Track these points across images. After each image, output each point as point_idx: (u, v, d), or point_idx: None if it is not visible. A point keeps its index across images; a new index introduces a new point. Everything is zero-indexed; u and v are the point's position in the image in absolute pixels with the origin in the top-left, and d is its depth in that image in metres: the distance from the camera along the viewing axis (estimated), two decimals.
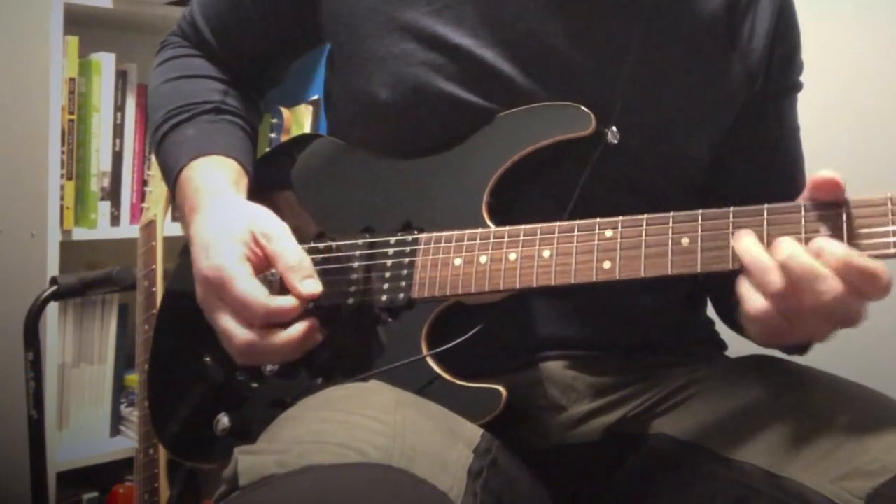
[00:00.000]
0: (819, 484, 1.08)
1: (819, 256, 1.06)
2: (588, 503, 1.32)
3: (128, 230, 2.82)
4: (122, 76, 2.87)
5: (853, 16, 2.41)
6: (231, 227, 1.31)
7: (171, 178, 1.45)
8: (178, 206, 1.45)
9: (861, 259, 1.05)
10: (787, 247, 1.07)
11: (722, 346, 1.50)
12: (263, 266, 1.30)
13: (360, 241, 1.37)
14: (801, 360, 1.35)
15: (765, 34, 1.44)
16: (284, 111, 2.93)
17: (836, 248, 1.06)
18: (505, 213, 1.31)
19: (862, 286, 1.05)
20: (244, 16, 1.54)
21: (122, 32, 3.02)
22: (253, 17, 1.53)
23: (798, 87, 1.53)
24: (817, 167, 1.11)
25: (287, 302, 1.26)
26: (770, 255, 1.08)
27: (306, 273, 1.28)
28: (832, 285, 1.04)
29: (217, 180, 1.40)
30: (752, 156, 1.49)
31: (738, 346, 1.46)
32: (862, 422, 1.13)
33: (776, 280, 1.06)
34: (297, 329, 1.26)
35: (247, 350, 1.27)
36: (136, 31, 3.00)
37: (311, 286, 1.28)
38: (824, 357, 1.34)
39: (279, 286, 1.30)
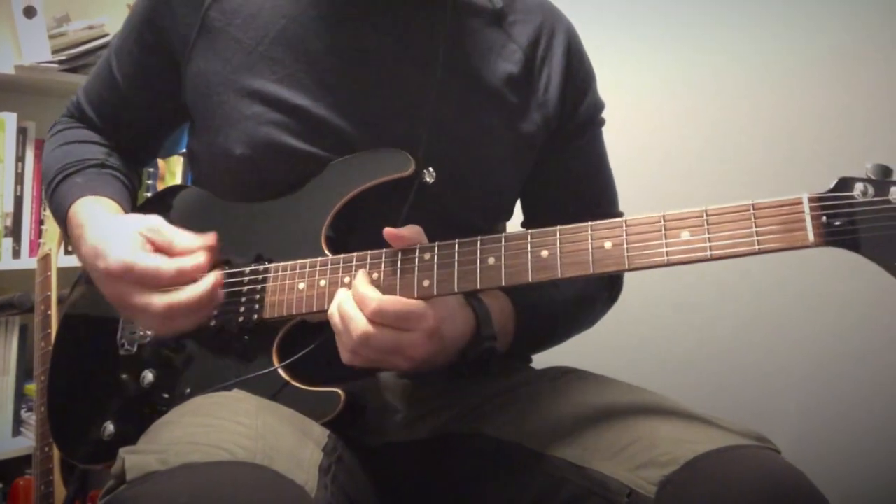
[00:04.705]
0: (618, 473, 1.07)
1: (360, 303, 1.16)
2: (421, 494, 1.31)
3: (27, 262, 2.77)
4: (22, 132, 2.83)
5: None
6: (121, 230, 1.28)
7: (62, 213, 1.41)
8: (69, 235, 1.41)
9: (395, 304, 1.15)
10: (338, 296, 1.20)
11: (528, 359, 1.49)
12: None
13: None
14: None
15: (558, 84, 1.44)
16: (160, 161, 2.91)
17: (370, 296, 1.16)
18: (342, 244, 1.30)
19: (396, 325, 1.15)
20: (121, 96, 1.51)
21: (22, 95, 2.95)
22: (130, 99, 1.50)
23: (597, 123, 1.53)
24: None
25: (191, 260, 1.24)
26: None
27: (197, 238, 1.27)
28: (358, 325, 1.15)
29: (103, 209, 1.37)
30: (557, 189, 1.49)
31: (542, 358, 1.48)
32: (652, 421, 1.13)
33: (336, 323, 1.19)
34: (207, 281, 1.24)
35: (167, 313, 1.23)
36: (36, 94, 2.95)
37: (207, 237, 1.27)
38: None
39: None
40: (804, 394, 2.25)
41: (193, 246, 1.26)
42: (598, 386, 1.28)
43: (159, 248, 1.27)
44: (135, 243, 1.26)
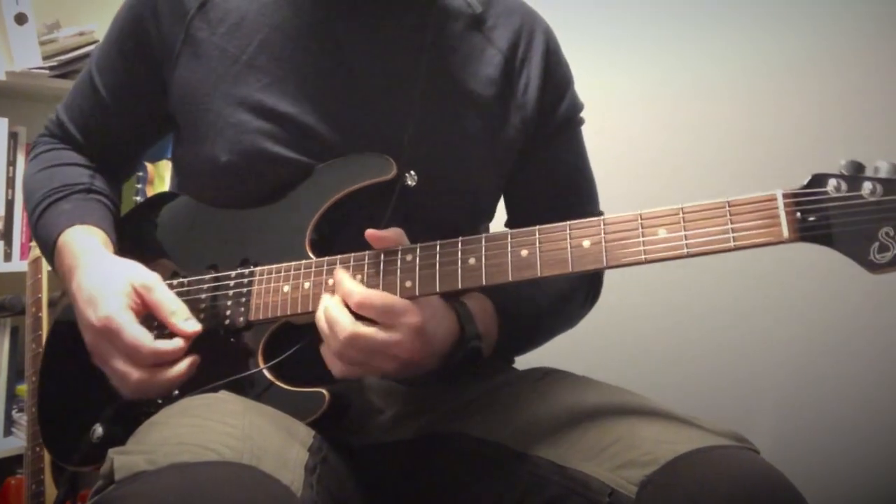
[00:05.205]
0: (599, 473, 1.07)
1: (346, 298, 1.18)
2: (405, 494, 1.31)
3: (18, 265, 2.76)
4: (13, 137, 2.82)
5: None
6: (112, 282, 1.28)
7: (50, 243, 1.40)
8: (56, 267, 1.41)
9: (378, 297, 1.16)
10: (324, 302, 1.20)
11: (511, 360, 1.49)
12: (143, 313, 1.28)
13: (206, 277, 1.35)
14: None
15: (536, 86, 1.44)
16: (149, 165, 2.91)
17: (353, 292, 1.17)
18: (327, 246, 1.30)
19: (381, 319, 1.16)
20: (104, 109, 1.49)
21: (13, 100, 2.93)
22: (112, 110, 1.49)
23: (575, 123, 1.53)
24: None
25: (172, 344, 1.25)
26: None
27: (185, 315, 1.27)
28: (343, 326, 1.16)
29: (91, 243, 1.36)
30: (537, 188, 1.49)
31: (525, 359, 1.48)
32: (633, 421, 1.13)
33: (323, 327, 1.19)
34: (182, 365, 1.25)
35: (139, 387, 1.25)
36: (26, 100, 2.94)
37: (192, 325, 1.27)
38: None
39: (163, 329, 1.28)
40: (783, 394, 2.26)
41: (176, 322, 1.27)
42: (580, 387, 1.28)
43: (146, 306, 1.28)
44: (124, 300, 1.26)
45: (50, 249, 1.41)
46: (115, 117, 1.50)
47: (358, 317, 1.17)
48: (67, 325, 1.46)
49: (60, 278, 1.39)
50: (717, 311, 2.36)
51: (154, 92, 1.44)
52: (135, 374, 1.24)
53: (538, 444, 1.16)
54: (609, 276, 1.56)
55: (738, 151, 2.32)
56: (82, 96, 1.52)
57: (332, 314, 1.17)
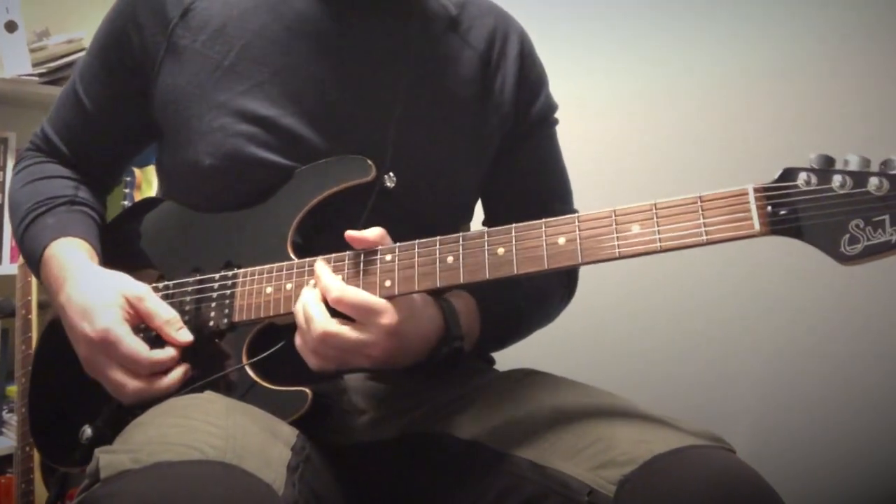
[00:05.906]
0: (578, 472, 1.07)
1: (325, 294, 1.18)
2: (387, 493, 1.31)
3: (8, 268, 2.76)
4: (3, 142, 2.82)
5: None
6: (104, 294, 1.29)
7: (36, 258, 1.40)
8: (43, 281, 1.41)
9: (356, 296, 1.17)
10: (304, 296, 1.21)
11: (491, 361, 1.50)
12: (137, 323, 1.30)
13: (190, 280, 1.36)
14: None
15: (512, 85, 1.45)
16: (136, 170, 2.90)
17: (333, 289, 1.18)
18: (308, 248, 1.31)
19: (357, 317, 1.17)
20: (89, 120, 1.49)
21: (3, 107, 2.93)
22: (97, 120, 1.49)
23: (550, 123, 1.54)
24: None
25: (167, 354, 1.28)
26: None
27: (179, 325, 1.30)
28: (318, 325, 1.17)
29: (77, 256, 1.37)
30: (513, 187, 1.50)
31: (506, 360, 1.49)
32: (612, 422, 1.14)
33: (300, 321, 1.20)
34: (177, 374, 1.28)
35: (137, 395, 1.26)
36: (16, 106, 2.93)
37: (185, 335, 1.30)
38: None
39: (153, 337, 1.30)
40: (759, 395, 2.26)
41: (170, 331, 1.29)
42: (560, 388, 1.28)
43: (139, 316, 1.30)
44: (118, 312, 1.28)
45: (36, 263, 1.41)
46: (99, 127, 1.50)
47: (336, 312, 1.18)
48: (59, 328, 1.47)
49: (47, 291, 1.40)
50: (695, 313, 2.37)
51: (138, 101, 1.44)
52: (132, 384, 1.26)
53: (518, 445, 1.16)
54: (589, 279, 1.57)
55: (716, 154, 2.33)
56: (66, 108, 1.52)
57: (309, 311, 1.18)
